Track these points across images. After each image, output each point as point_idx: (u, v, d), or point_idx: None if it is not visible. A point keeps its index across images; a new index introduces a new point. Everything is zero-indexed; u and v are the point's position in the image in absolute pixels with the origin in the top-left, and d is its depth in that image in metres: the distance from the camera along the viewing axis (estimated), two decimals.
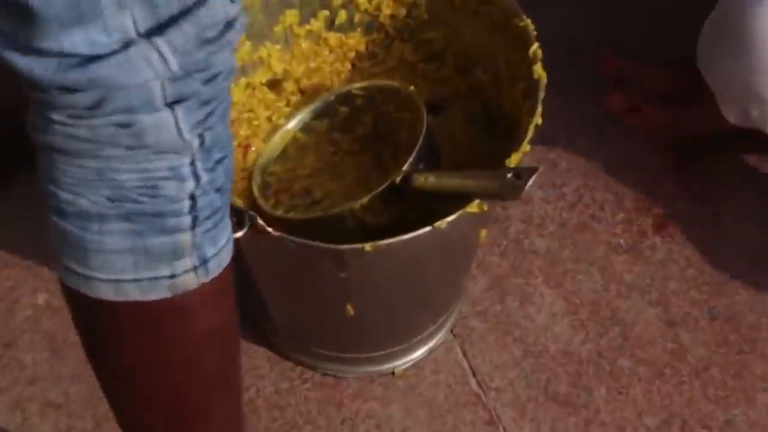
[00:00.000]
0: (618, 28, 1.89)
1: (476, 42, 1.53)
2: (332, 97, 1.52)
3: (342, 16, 1.57)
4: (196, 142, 0.94)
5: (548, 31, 1.72)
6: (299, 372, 1.59)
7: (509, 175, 1.24)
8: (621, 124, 1.78)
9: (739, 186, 1.76)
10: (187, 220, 1.00)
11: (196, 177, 0.98)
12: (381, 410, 1.55)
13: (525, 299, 1.64)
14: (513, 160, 1.32)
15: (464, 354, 1.60)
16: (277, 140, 1.52)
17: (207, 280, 1.06)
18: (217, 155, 0.99)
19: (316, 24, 1.57)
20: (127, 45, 0.85)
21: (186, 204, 0.99)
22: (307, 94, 1.57)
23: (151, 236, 1.01)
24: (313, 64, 1.58)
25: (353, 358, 1.57)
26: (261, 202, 1.44)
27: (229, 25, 0.91)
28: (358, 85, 1.51)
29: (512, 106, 1.46)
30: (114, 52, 0.84)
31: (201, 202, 1.00)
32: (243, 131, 1.53)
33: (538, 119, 1.35)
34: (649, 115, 1.76)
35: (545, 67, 1.38)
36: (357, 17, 1.57)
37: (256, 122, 1.54)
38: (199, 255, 1.04)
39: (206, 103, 0.92)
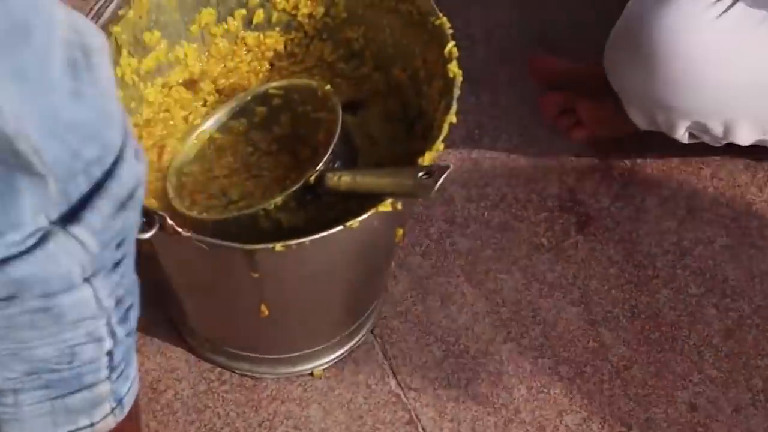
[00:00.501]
0: (548, 28, 1.91)
1: (395, 41, 1.53)
2: (249, 97, 1.52)
3: (259, 15, 1.57)
4: (112, 304, 0.93)
5: (478, 30, 1.75)
6: (217, 373, 1.58)
7: (421, 174, 1.24)
8: (544, 124, 1.80)
9: (662, 182, 1.78)
10: (105, 373, 1.01)
11: (113, 334, 0.98)
12: (299, 411, 1.54)
13: (446, 299, 1.64)
14: (426, 159, 1.33)
15: (384, 354, 1.60)
16: (194, 140, 1.51)
17: (123, 416, 1.06)
18: (128, 303, 0.99)
19: (234, 23, 1.57)
20: (44, 238, 0.82)
21: (104, 361, 0.99)
22: (224, 94, 1.56)
23: (70, 395, 1.02)
24: (230, 64, 1.58)
25: (271, 359, 1.57)
26: (176, 202, 1.43)
27: (138, 183, 0.90)
28: (275, 84, 1.51)
29: (429, 105, 1.46)
30: (30, 249, 0.82)
31: (117, 354, 1.00)
32: (159, 131, 1.52)
33: (452, 118, 1.34)
34: (582, 114, 1.76)
35: (461, 66, 1.38)
36: (275, 16, 1.57)
37: (172, 122, 1.53)
38: (116, 397, 1.05)
39: (119, 262, 0.92)
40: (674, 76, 1.54)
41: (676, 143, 1.69)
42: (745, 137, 1.60)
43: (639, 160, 1.79)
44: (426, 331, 1.62)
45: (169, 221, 1.26)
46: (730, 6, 1.50)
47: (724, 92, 1.55)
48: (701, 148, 1.71)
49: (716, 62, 1.52)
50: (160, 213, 1.26)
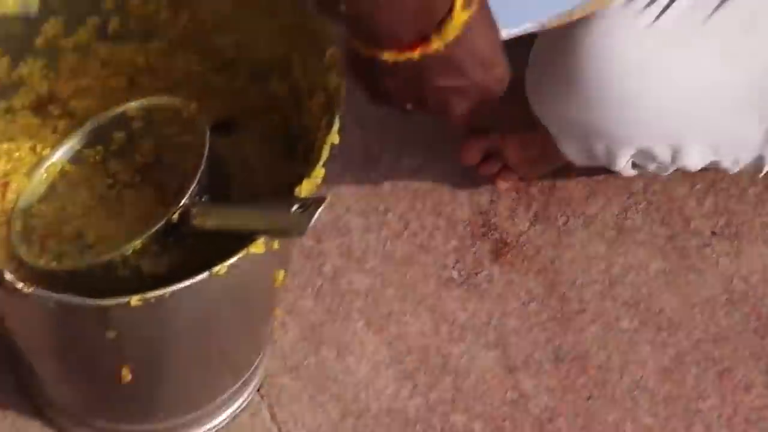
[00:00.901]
0: None
1: (271, 48, 1.46)
2: (105, 121, 1.44)
3: (114, 22, 1.47)
4: None
5: None
6: None
7: (295, 208, 1.18)
8: (451, 137, 1.74)
9: (587, 199, 1.74)
10: None
11: None
12: None
13: (343, 349, 1.60)
14: (304, 189, 1.25)
15: (273, 417, 1.56)
16: (43, 174, 1.44)
17: None
18: None
19: (85, 33, 1.47)
20: None
21: None
22: (77, 118, 1.47)
23: None
24: (83, 82, 1.47)
25: (141, 429, 1.54)
26: (21, 250, 1.37)
27: None
28: (134, 104, 1.43)
29: (312, 122, 1.38)
30: None
31: None
32: (2, 166, 1.44)
33: (334, 138, 1.26)
34: (510, 157, 1.71)
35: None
36: (132, 23, 1.48)
37: (17, 154, 1.46)
38: None
39: None
40: (609, 98, 1.47)
41: None
42: (695, 161, 1.54)
43: (560, 178, 1.74)
44: (320, 388, 1.58)
45: (8, 275, 1.17)
46: (664, 10, 1.44)
47: (669, 110, 1.48)
48: None
49: (656, 76, 1.46)
50: None
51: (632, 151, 1.52)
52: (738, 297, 1.66)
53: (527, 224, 1.69)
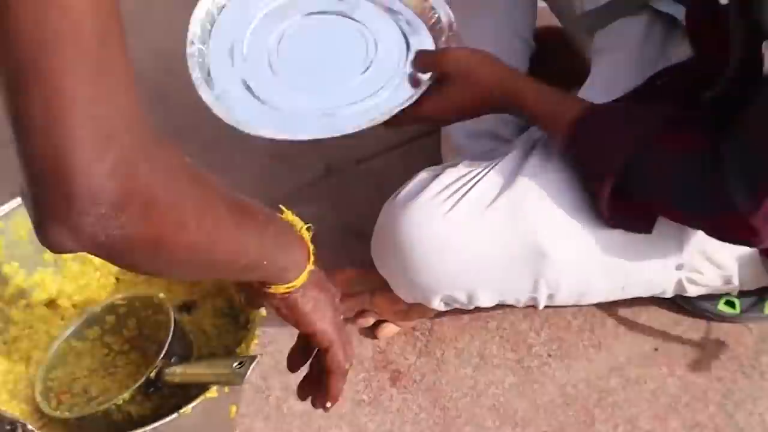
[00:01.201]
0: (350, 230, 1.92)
1: None
2: (99, 309, 1.56)
3: None
4: None
5: None
6: None
7: (235, 364, 1.30)
8: None
9: (457, 337, 1.82)
10: None
11: None
12: None
13: None
14: (242, 350, 1.40)
15: None
16: (56, 349, 1.55)
17: None
18: None
19: None
20: None
21: None
22: (79, 307, 1.60)
23: None
24: (82, 282, 1.62)
25: None
26: (43, 405, 1.46)
27: None
28: (119, 296, 1.56)
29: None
30: None
31: None
32: (24, 345, 1.56)
33: (262, 312, 1.41)
34: (380, 310, 1.79)
35: None
36: None
37: (36, 336, 1.57)
38: None
39: None
40: (421, 261, 1.57)
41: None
42: (487, 302, 1.63)
43: (437, 320, 1.81)
44: None
45: (29, 426, 1.30)
46: (458, 201, 1.54)
47: (461, 270, 1.58)
48: None
49: (452, 247, 1.55)
50: (21, 421, 1.31)
51: (440, 297, 1.61)
52: (570, 399, 1.73)
53: (414, 358, 1.77)
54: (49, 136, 0.84)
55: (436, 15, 1.61)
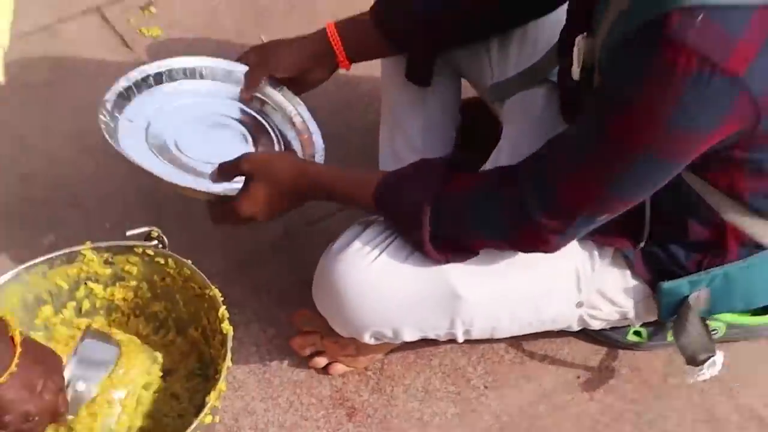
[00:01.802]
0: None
1: (187, 308, 1.58)
2: None
3: (86, 304, 1.61)
4: None
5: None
6: None
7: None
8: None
9: (404, 374, 1.79)
10: None
11: None
12: None
13: None
14: (212, 398, 1.37)
15: None
16: None
17: None
18: None
19: (68, 312, 1.59)
20: None
21: None
22: None
23: None
24: (71, 345, 1.52)
25: None
26: None
27: None
28: None
29: (216, 353, 1.51)
30: None
31: None
32: None
33: (228, 363, 1.40)
34: (329, 352, 1.76)
35: (234, 322, 1.45)
36: (98, 303, 1.61)
37: None
38: None
39: None
40: (351, 302, 1.56)
41: (410, 345, 1.72)
42: (409, 337, 1.61)
43: (386, 359, 1.80)
44: None
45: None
46: (380, 254, 1.53)
47: (385, 310, 1.56)
48: (431, 343, 1.73)
49: (376, 290, 1.54)
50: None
51: (370, 332, 1.58)
52: (505, 425, 1.71)
53: (367, 394, 1.75)
54: None
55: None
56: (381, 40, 1.73)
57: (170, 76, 1.75)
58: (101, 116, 1.61)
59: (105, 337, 1.48)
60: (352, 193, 1.55)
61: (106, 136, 1.58)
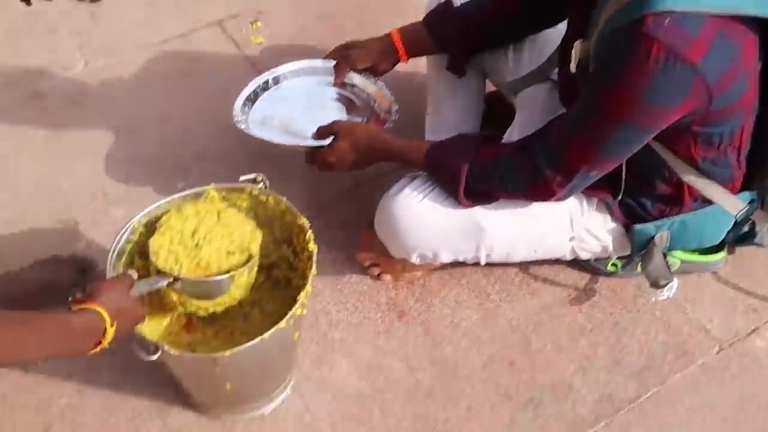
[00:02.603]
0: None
1: (282, 232, 1.55)
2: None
3: None
4: None
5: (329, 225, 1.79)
6: (211, 422, 1.58)
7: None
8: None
9: (441, 289, 1.77)
10: None
11: None
12: None
13: (332, 367, 1.67)
14: (302, 296, 1.37)
15: (301, 400, 1.61)
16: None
17: None
18: None
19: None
20: None
21: None
22: None
23: None
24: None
25: (238, 411, 1.57)
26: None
27: None
28: None
29: (304, 266, 1.49)
30: None
31: None
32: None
33: (314, 271, 1.40)
34: (383, 266, 1.77)
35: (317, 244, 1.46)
36: None
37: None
38: None
39: None
40: (402, 233, 1.59)
41: (445, 267, 1.74)
42: (446, 259, 1.63)
43: (427, 277, 1.79)
44: (320, 384, 1.64)
45: (166, 348, 1.31)
46: (423, 198, 1.55)
47: (427, 238, 1.58)
48: (461, 266, 1.73)
49: (421, 224, 1.57)
50: (160, 343, 1.31)
51: (416, 254, 1.61)
52: (514, 329, 1.71)
53: (413, 302, 1.75)
54: None
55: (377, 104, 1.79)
56: (430, 41, 1.76)
57: (281, 77, 1.81)
58: (235, 111, 1.69)
59: None
60: (408, 155, 1.59)
61: (241, 125, 1.65)
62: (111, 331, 1.16)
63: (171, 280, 1.33)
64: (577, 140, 1.40)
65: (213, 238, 1.39)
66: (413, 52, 1.79)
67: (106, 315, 1.16)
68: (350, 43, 1.84)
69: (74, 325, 1.13)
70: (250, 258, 1.39)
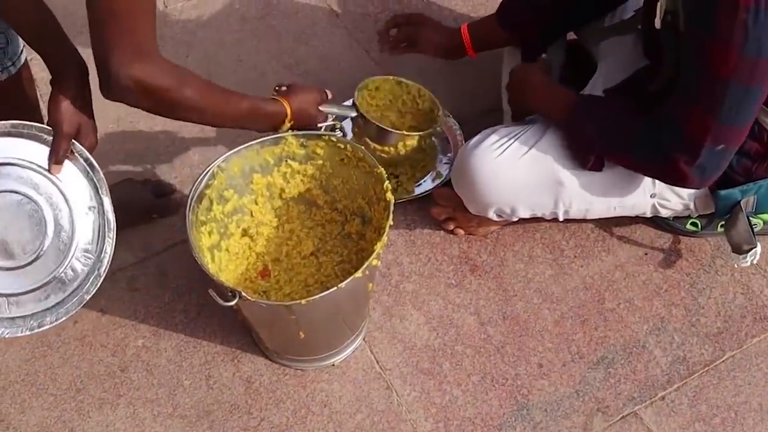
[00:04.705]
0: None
1: (358, 181, 1.53)
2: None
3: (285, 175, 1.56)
4: None
5: None
6: (282, 369, 1.57)
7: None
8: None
9: (514, 243, 1.74)
10: None
11: None
12: (328, 387, 1.55)
13: (403, 318, 1.64)
14: (378, 247, 1.34)
15: (371, 351, 1.60)
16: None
17: None
18: None
19: (272, 179, 1.54)
20: None
21: None
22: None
23: None
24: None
25: (309, 359, 1.57)
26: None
27: None
28: None
29: (380, 216, 1.48)
30: None
31: None
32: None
33: (390, 222, 1.37)
34: (458, 221, 1.74)
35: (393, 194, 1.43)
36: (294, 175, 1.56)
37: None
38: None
39: None
40: (480, 187, 1.57)
41: (519, 221, 1.70)
42: (523, 214, 1.61)
43: (501, 231, 1.76)
44: (393, 337, 1.62)
45: (244, 293, 1.28)
46: (505, 150, 1.53)
47: (506, 192, 1.56)
48: (535, 221, 1.71)
49: (500, 177, 1.55)
50: (239, 290, 1.29)
51: (494, 209, 1.59)
52: (588, 286, 1.67)
53: (486, 256, 1.72)
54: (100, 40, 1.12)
55: None
56: (503, 34, 1.74)
57: None
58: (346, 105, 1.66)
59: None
60: (551, 104, 1.53)
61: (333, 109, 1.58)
62: (287, 125, 1.43)
63: (357, 115, 1.61)
64: (693, 110, 1.32)
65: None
66: (482, 48, 1.79)
67: (289, 112, 1.41)
68: (423, 25, 1.81)
69: (262, 110, 1.38)
70: (418, 131, 1.70)
